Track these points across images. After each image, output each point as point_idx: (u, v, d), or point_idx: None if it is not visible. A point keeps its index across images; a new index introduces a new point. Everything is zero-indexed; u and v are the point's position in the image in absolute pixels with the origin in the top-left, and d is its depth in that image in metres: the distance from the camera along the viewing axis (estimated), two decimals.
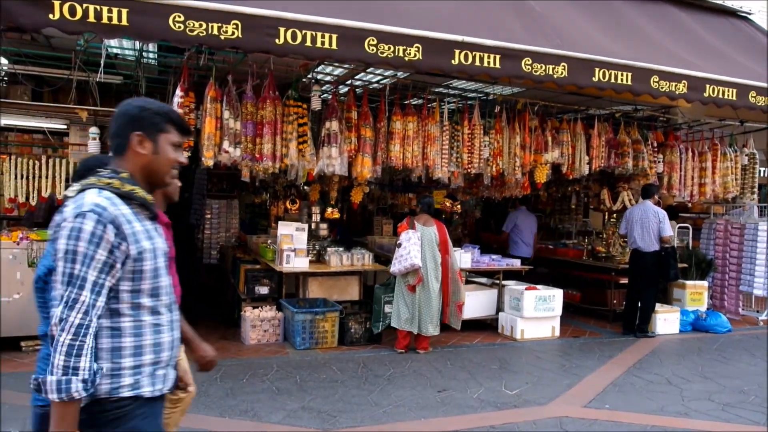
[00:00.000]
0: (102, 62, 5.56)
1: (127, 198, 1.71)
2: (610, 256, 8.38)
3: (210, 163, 5.78)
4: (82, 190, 1.69)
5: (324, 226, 8.67)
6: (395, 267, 6.08)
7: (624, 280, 8.20)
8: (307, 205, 9.02)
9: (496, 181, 7.94)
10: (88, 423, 1.63)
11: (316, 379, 5.25)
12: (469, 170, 7.05)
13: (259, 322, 6.51)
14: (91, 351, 1.59)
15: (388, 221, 10.54)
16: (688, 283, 8.41)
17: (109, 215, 1.63)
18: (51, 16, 3.96)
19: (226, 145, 5.80)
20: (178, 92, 5.74)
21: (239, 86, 6.12)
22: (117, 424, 1.67)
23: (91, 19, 4.04)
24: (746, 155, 9.11)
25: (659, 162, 8.35)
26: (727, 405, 4.85)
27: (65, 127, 6.48)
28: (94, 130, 5.84)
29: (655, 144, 8.36)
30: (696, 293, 8.44)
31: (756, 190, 9.25)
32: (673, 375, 5.71)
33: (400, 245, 6.08)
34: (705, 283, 8.59)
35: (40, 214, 7.25)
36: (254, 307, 6.78)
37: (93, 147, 5.82)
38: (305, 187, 8.20)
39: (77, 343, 1.55)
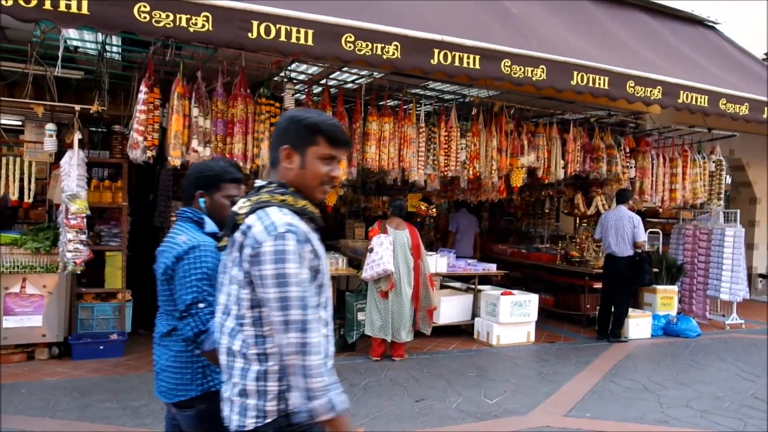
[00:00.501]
0: (60, 55, 5.21)
1: (300, 214, 1.70)
2: (584, 261, 8.39)
3: (177, 162, 5.49)
4: (257, 208, 1.67)
5: None
6: (367, 273, 5.92)
7: (597, 285, 8.21)
8: None
9: (472, 185, 7.83)
10: None
11: None
12: (445, 173, 6.92)
13: None
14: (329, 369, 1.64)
15: (360, 224, 10.34)
16: (659, 287, 8.48)
17: (302, 233, 1.64)
18: (3, 1, 3.66)
19: (195, 144, 5.51)
20: (143, 88, 5.42)
21: (209, 83, 5.85)
22: None
23: (48, 6, 3.75)
24: (713, 162, 9.27)
25: (632, 167, 8.41)
26: (705, 412, 4.83)
27: (20, 123, 6.07)
28: (50, 126, 5.48)
29: (628, 149, 8.41)
30: (667, 298, 8.51)
31: (722, 195, 9.43)
32: (650, 381, 5.68)
33: (371, 250, 5.93)
34: (675, 288, 8.68)
35: None
36: None
37: (49, 145, 5.46)
38: None
39: (323, 361, 1.60)
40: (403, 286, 5.95)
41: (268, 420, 1.65)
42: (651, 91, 6.58)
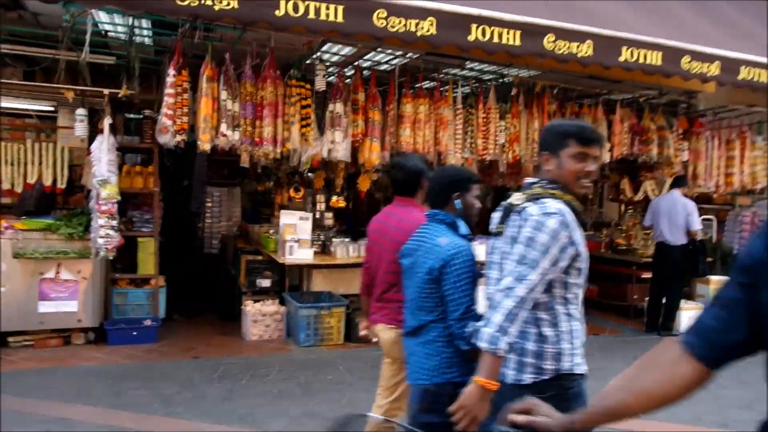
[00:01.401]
0: (87, 39, 5.14)
1: (567, 206, 1.99)
2: (632, 249, 7.95)
3: (207, 147, 5.37)
4: (532, 199, 1.98)
5: (329, 215, 8.28)
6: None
7: (646, 275, 7.78)
8: (312, 194, 8.63)
9: (511, 169, 7.50)
10: (559, 397, 1.87)
11: (322, 380, 4.88)
12: (483, 156, 6.61)
13: (260, 316, 6.14)
14: (520, 323, 1.90)
15: None
16: (713, 278, 7.94)
17: (567, 220, 1.94)
18: None
19: (223, 128, 5.38)
20: (171, 71, 5.32)
21: (238, 66, 5.70)
22: (577, 395, 2.01)
23: None
24: None
25: (684, 150, 7.89)
26: None
27: (53, 109, 6.07)
28: (81, 111, 5.44)
29: (680, 131, 7.89)
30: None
31: None
32: None
33: None
34: None
35: (30, 203, 6.86)
36: (255, 301, 6.42)
37: (80, 130, 5.43)
38: (309, 174, 7.78)
39: (515, 311, 1.87)
40: None
41: (545, 377, 1.98)
42: (708, 66, 6.08)
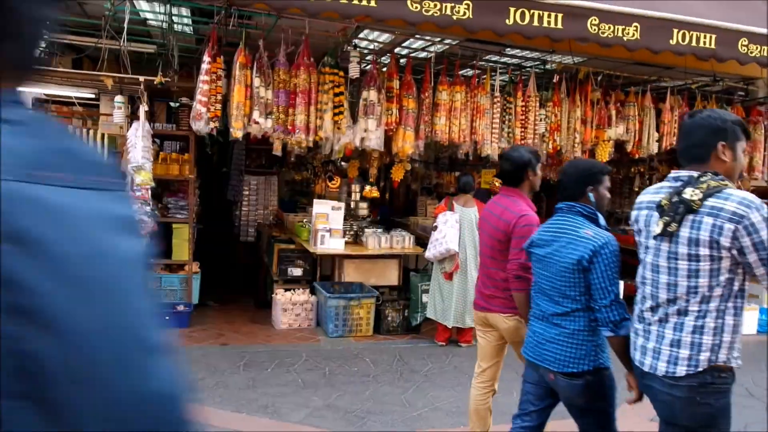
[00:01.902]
0: (125, 26, 5.19)
1: None
2: None
3: (239, 134, 5.36)
4: (712, 193, 1.96)
5: (364, 205, 8.21)
6: (430, 252, 5.58)
7: None
8: (347, 183, 8.57)
9: (552, 160, 7.22)
10: (712, 389, 2.02)
11: (347, 372, 4.81)
12: None
13: (290, 305, 6.13)
14: None
15: (432, 201, 9.97)
16: None
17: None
18: None
19: (256, 115, 5.36)
20: (206, 57, 5.32)
21: (272, 53, 5.66)
22: (730, 389, 2.08)
23: None
24: None
25: None
26: None
27: (94, 96, 6.20)
28: (119, 98, 5.52)
29: None
30: None
31: None
32: (755, 385, 4.97)
33: (435, 228, 5.56)
34: None
35: None
36: (287, 290, 6.41)
37: (118, 117, 5.51)
38: (343, 164, 7.72)
39: None
40: (469, 268, 5.53)
41: (699, 369, 2.01)
42: None
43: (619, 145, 6.95)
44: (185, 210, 6.22)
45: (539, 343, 2.57)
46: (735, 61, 5.65)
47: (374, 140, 5.71)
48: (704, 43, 5.43)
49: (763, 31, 5.57)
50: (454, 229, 5.44)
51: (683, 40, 5.37)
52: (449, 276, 5.56)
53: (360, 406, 4.08)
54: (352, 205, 8.45)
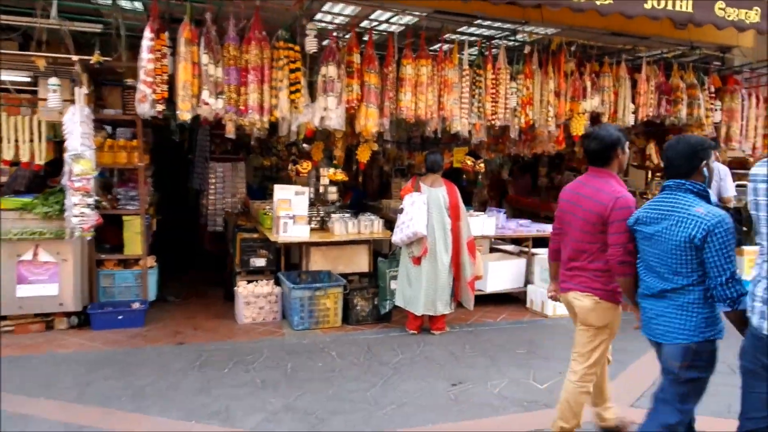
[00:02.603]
0: (54, 3, 4.73)
1: None
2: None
3: (187, 117, 4.95)
4: None
5: (333, 189, 7.82)
6: (396, 236, 5.28)
7: None
8: (317, 167, 8.19)
9: (525, 135, 6.92)
10: None
11: (311, 367, 4.50)
12: (492, 122, 6.05)
13: (253, 298, 5.78)
14: None
15: (406, 183, 9.65)
16: (747, 249, 7.29)
17: None
18: None
19: (205, 95, 4.94)
20: (147, 33, 4.87)
21: (221, 29, 5.23)
22: None
23: None
24: None
25: (717, 110, 7.19)
26: None
27: (29, 79, 5.70)
28: (53, 81, 5.04)
29: (713, 89, 7.17)
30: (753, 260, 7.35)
31: None
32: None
33: (401, 211, 5.26)
34: None
35: (22, 182, 6.54)
36: (249, 282, 6.06)
37: (53, 101, 5.05)
38: (305, 146, 7.33)
39: None
40: (438, 252, 5.25)
41: None
42: (746, 13, 5.42)
43: (594, 117, 6.66)
44: (136, 201, 5.80)
45: (649, 318, 2.64)
46: (712, 25, 5.38)
47: (335, 119, 5.34)
48: (680, 6, 5.16)
49: None
50: (421, 210, 5.13)
51: (658, 3, 5.08)
52: (417, 260, 5.26)
53: (321, 406, 3.77)
54: (321, 189, 8.09)
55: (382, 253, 7.01)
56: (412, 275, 5.32)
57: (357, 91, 5.47)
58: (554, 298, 3.41)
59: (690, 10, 5.16)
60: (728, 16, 5.31)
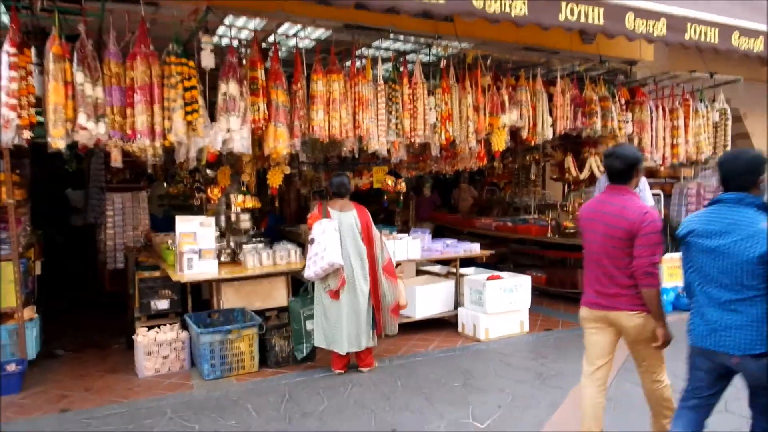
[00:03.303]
0: None
1: None
2: (580, 232, 7.31)
3: (60, 144, 4.24)
4: None
5: (245, 217, 7.21)
6: (310, 270, 4.73)
7: None
8: (227, 194, 7.53)
9: (446, 152, 6.69)
10: None
11: (222, 427, 3.89)
12: (412, 139, 5.74)
13: (155, 347, 5.06)
14: None
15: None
16: (664, 257, 7.45)
17: None
18: None
19: (82, 119, 4.26)
20: (7, 47, 4.14)
21: (99, 42, 4.59)
22: None
23: None
24: (717, 111, 8.21)
25: (628, 122, 7.31)
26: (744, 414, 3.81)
27: None
28: None
29: (623, 102, 7.30)
30: (673, 267, 7.49)
31: (728, 147, 8.39)
32: (675, 375, 4.65)
33: (312, 241, 4.74)
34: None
35: None
36: (152, 327, 5.33)
37: None
38: (209, 172, 6.70)
39: None
40: (357, 282, 4.80)
41: None
42: (654, 25, 5.46)
43: (513, 132, 6.55)
44: (6, 244, 4.94)
45: (715, 330, 2.65)
46: (623, 37, 5.38)
47: (239, 141, 4.81)
48: (593, 19, 5.10)
49: (651, 5, 5.35)
50: (333, 238, 4.66)
51: (572, 14, 5.00)
52: (335, 294, 4.76)
53: None
54: (233, 217, 7.45)
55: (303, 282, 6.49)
56: (331, 311, 4.82)
57: (263, 109, 4.97)
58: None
59: (601, 22, 5.12)
60: (638, 29, 5.32)
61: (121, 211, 8.68)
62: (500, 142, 6.12)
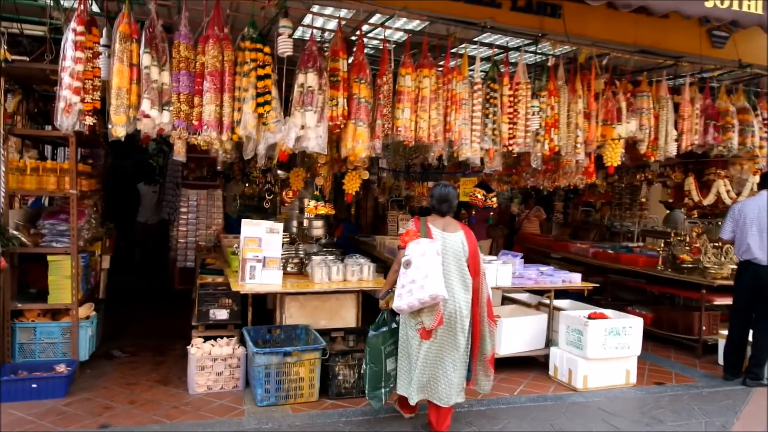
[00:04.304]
0: None
1: None
2: (701, 269, 6.19)
3: (120, 132, 3.85)
4: None
5: (318, 224, 6.74)
6: (403, 301, 3.60)
7: (720, 301, 6.10)
8: (299, 198, 7.08)
9: (546, 165, 5.84)
10: None
11: None
12: (510, 148, 4.96)
13: (209, 361, 4.59)
14: None
15: (405, 217, 8.52)
16: None
17: None
18: None
19: (146, 105, 3.86)
20: (74, 25, 3.82)
21: (168, 21, 4.20)
22: None
23: None
24: None
25: None
26: None
27: None
28: None
29: (765, 115, 6.12)
30: None
31: None
32: None
33: (408, 264, 3.64)
34: None
35: None
36: (208, 339, 4.88)
37: None
38: (280, 173, 6.21)
39: None
40: (459, 320, 3.75)
41: None
42: None
43: (628, 145, 5.59)
44: (65, 236, 4.65)
45: None
46: None
47: (314, 140, 4.24)
48: (749, 6, 4.12)
49: None
50: (436, 264, 3.60)
51: (722, 2, 4.05)
52: (428, 334, 3.68)
53: None
54: (305, 223, 6.97)
55: (374, 297, 5.82)
56: (419, 353, 3.76)
57: (343, 105, 4.39)
58: None
59: (760, 11, 4.13)
60: None
61: (195, 209, 8.48)
62: (615, 156, 5.19)
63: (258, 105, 4.07)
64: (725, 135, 5.70)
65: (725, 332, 5.87)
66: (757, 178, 6.13)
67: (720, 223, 6.25)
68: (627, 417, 4.43)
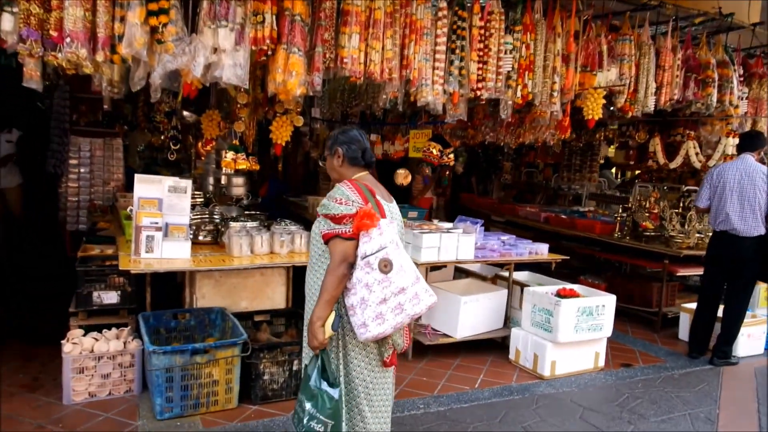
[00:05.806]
0: None
1: None
2: (665, 237, 5.70)
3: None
4: None
5: (239, 181, 5.59)
6: (386, 325, 2.16)
7: (683, 272, 5.68)
8: (217, 150, 5.89)
9: (515, 116, 5.02)
10: None
11: None
12: (479, 93, 4.07)
13: (92, 362, 3.49)
14: None
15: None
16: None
17: None
18: None
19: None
20: None
21: None
22: None
23: None
24: None
25: (744, 98, 5.63)
26: None
27: None
28: None
29: (741, 71, 5.60)
30: None
31: None
32: None
33: (388, 265, 2.15)
34: None
35: None
36: (93, 329, 3.77)
37: None
38: (186, 114, 5.00)
39: None
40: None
41: None
42: None
43: (606, 96, 4.86)
44: None
45: None
46: None
47: (230, 68, 3.13)
48: None
49: None
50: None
51: None
52: (393, 359, 2.40)
53: None
54: (223, 180, 5.82)
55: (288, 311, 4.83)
56: (379, 389, 2.40)
57: (271, 23, 3.28)
58: None
59: None
60: None
61: (88, 161, 7.04)
62: (596, 108, 4.44)
63: (150, 14, 2.89)
64: (705, 90, 5.11)
65: (687, 305, 5.48)
66: (731, 140, 5.66)
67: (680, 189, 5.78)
68: (605, 412, 3.82)
